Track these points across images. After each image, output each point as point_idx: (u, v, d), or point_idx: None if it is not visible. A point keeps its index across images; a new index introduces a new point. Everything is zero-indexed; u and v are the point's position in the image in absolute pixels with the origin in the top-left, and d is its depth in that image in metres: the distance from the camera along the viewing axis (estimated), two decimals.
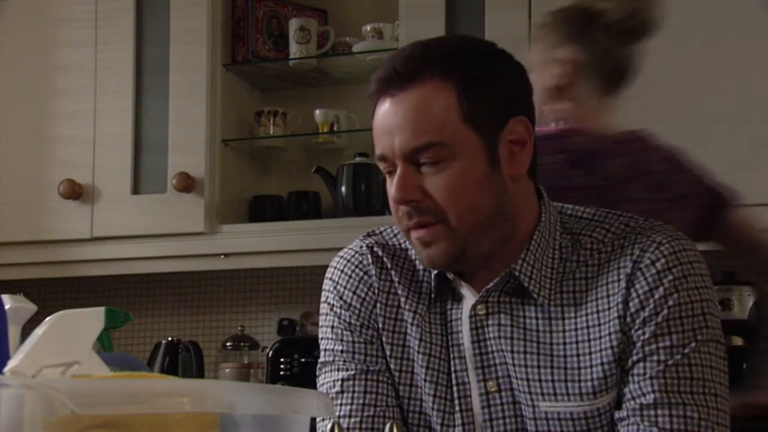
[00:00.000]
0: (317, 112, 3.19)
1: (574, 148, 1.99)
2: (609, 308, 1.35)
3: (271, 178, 3.33)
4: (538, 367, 1.36)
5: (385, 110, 1.36)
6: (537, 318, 1.37)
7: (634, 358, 1.33)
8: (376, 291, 1.44)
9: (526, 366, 1.36)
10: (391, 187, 1.36)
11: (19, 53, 3.20)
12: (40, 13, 3.20)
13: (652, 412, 1.30)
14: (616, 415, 1.33)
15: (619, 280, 1.35)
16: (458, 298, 1.42)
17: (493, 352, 1.38)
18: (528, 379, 1.36)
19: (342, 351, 1.43)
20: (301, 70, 3.24)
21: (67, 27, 3.16)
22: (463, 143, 1.33)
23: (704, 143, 2.59)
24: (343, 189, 3.05)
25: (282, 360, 2.97)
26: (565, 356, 1.35)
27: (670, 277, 1.33)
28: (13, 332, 1.18)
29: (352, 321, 1.44)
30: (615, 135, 2.05)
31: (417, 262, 1.45)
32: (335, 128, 3.20)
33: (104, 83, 3.10)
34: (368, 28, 3.13)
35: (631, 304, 1.34)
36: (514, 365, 1.37)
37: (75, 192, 3.05)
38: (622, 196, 1.97)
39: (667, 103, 2.63)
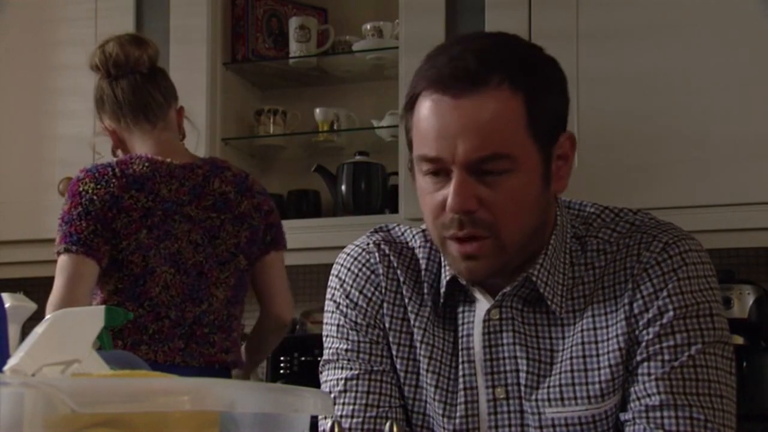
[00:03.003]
0: (317, 110, 3.19)
1: (134, 171, 2.30)
2: (616, 310, 1.34)
3: (271, 177, 3.32)
4: (550, 374, 1.34)
5: (445, 111, 1.28)
6: (549, 325, 1.36)
7: (639, 358, 1.32)
8: (383, 290, 1.43)
9: (538, 375, 1.35)
10: (434, 191, 1.31)
11: (19, 52, 3.20)
12: (40, 11, 3.20)
13: (658, 414, 1.29)
14: (622, 416, 1.32)
15: (625, 281, 1.34)
16: (470, 301, 1.40)
17: (504, 358, 1.37)
18: (538, 387, 1.34)
19: (347, 350, 1.42)
20: (301, 69, 3.24)
21: (66, 26, 3.16)
22: (526, 157, 1.29)
23: (704, 143, 2.59)
24: (343, 188, 3.05)
25: (282, 359, 2.97)
26: (571, 359, 1.34)
27: (676, 278, 1.32)
28: (13, 331, 1.18)
29: (359, 320, 1.43)
30: (182, 162, 2.37)
31: (423, 263, 1.44)
32: (335, 127, 3.20)
33: None
34: (368, 27, 3.13)
35: (635, 305, 1.33)
36: (527, 373, 1.35)
37: None
38: (179, 216, 2.33)
39: (666, 103, 2.63)
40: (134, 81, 2.38)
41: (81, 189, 2.29)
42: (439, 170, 1.29)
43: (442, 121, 1.28)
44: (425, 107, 1.29)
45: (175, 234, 2.32)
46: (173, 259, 2.31)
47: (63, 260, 2.28)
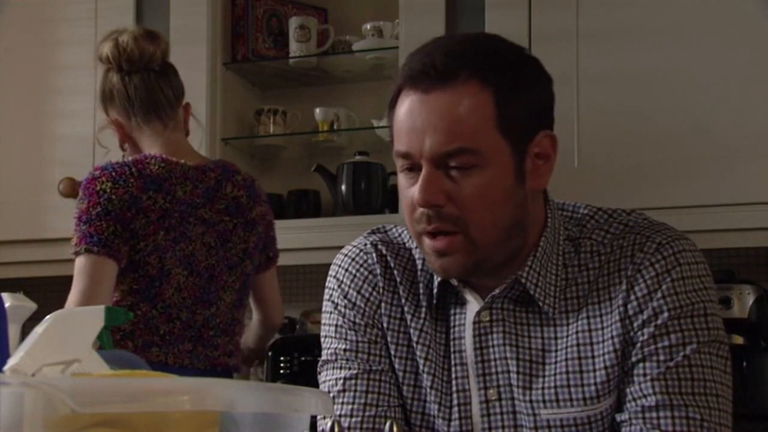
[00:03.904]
0: (317, 110, 3.19)
1: (151, 172, 2.27)
2: (611, 311, 1.34)
3: (271, 177, 3.32)
4: (544, 375, 1.34)
5: (415, 107, 1.30)
6: (541, 325, 1.36)
7: (634, 359, 1.32)
8: (381, 290, 1.43)
9: (530, 375, 1.35)
10: (409, 187, 1.32)
11: (19, 52, 3.20)
12: (40, 11, 3.20)
13: (654, 414, 1.29)
14: (618, 417, 1.33)
15: (620, 283, 1.34)
16: (461, 303, 1.40)
17: (495, 359, 1.37)
18: (531, 388, 1.34)
19: (345, 350, 1.42)
20: (301, 69, 3.24)
21: (66, 26, 3.16)
22: (495, 152, 1.29)
23: (704, 142, 2.59)
24: (343, 188, 3.05)
25: (282, 358, 2.97)
26: (566, 360, 1.34)
27: (670, 279, 1.32)
28: (13, 331, 1.18)
29: (357, 320, 1.43)
30: (194, 164, 2.35)
31: (419, 263, 1.44)
32: (335, 127, 3.20)
33: None
34: (368, 27, 3.13)
35: (630, 306, 1.33)
36: (517, 373, 1.35)
37: (75, 191, 3.03)
38: (193, 219, 2.30)
39: (666, 103, 2.63)
40: (147, 78, 2.35)
41: (99, 188, 2.25)
42: (413, 166, 1.31)
43: (412, 117, 1.30)
44: (402, 105, 1.32)
45: (189, 236, 2.30)
46: (187, 261, 2.29)
47: (83, 261, 2.22)
